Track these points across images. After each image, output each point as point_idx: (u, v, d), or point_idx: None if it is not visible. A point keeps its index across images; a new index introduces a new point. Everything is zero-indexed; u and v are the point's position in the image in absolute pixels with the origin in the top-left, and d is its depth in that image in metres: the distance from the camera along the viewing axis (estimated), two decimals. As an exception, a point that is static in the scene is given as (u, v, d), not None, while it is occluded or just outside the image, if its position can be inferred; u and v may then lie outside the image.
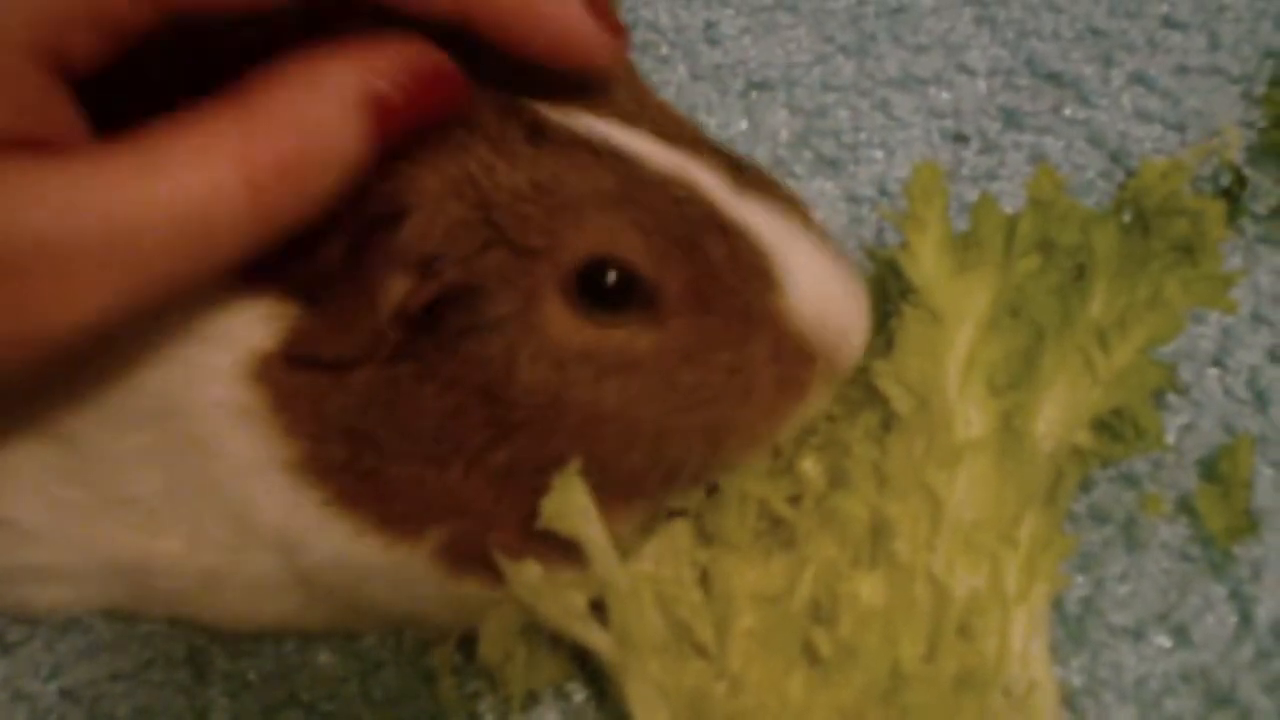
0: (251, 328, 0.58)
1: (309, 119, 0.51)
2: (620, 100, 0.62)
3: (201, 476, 0.60)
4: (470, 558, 0.62)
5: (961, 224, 0.70)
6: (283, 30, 0.54)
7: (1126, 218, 0.70)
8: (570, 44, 0.57)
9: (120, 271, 0.48)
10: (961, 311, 0.67)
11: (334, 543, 0.60)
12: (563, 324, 0.59)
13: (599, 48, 0.58)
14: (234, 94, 0.51)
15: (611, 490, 0.61)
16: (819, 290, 0.62)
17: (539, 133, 0.59)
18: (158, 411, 0.59)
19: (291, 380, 0.59)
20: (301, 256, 0.56)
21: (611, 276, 0.59)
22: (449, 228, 0.57)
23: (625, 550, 0.63)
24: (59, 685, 0.70)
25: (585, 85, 0.61)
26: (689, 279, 0.60)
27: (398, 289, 0.57)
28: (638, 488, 0.62)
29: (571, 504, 0.60)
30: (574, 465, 0.60)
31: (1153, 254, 0.69)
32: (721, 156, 0.63)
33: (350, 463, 0.59)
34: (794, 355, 0.62)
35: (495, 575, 0.62)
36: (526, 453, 0.60)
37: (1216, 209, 0.70)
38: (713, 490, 0.65)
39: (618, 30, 0.59)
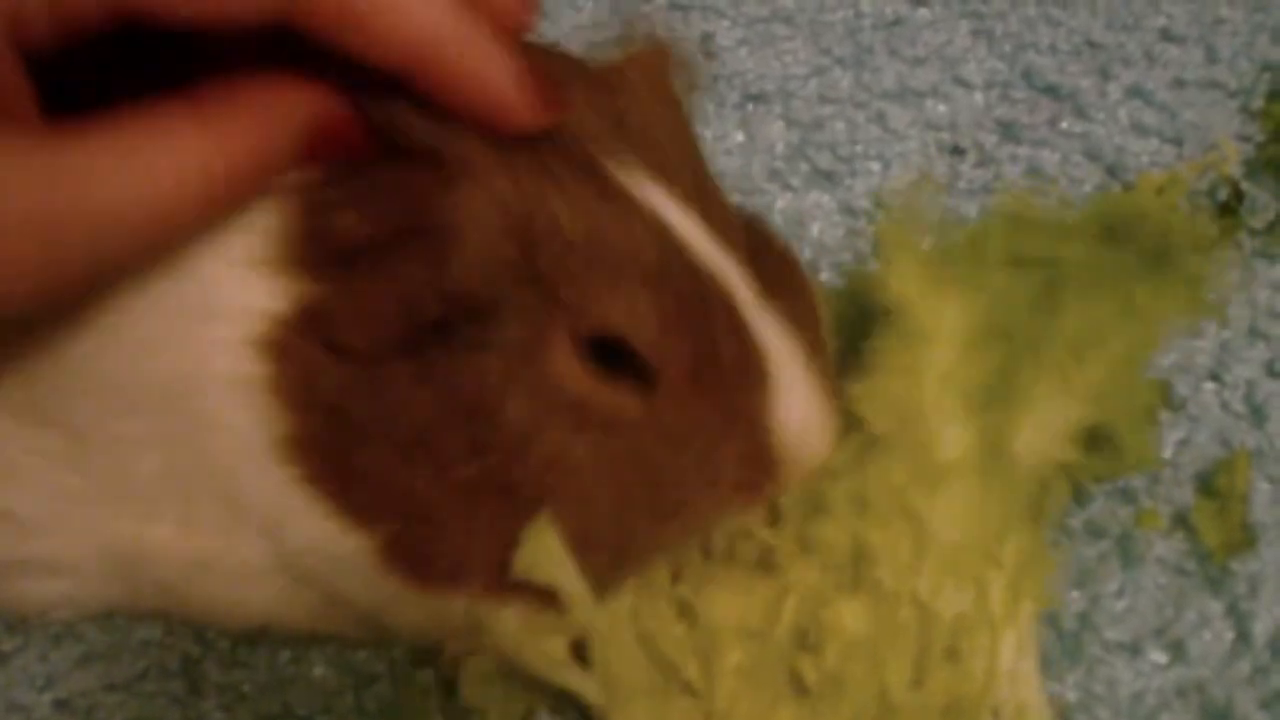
0: (260, 298, 0.58)
1: (264, 129, 0.54)
2: (684, 177, 0.63)
3: (199, 456, 0.60)
4: (409, 561, 0.62)
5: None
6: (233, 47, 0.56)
7: (1100, 228, 0.70)
8: (489, 107, 0.58)
9: (85, 247, 0.51)
10: (935, 330, 0.67)
11: (310, 526, 0.60)
12: (563, 368, 0.60)
13: (520, 114, 0.58)
14: (195, 95, 0.54)
15: (564, 536, 0.62)
16: (802, 409, 0.63)
17: (603, 189, 0.59)
18: (164, 391, 0.60)
19: (294, 355, 0.59)
20: (327, 231, 0.57)
21: (627, 350, 0.60)
22: (494, 265, 0.58)
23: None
24: (53, 696, 0.70)
25: (658, 153, 0.62)
26: (691, 366, 0.61)
27: (417, 287, 0.58)
28: (580, 546, 0.62)
29: (544, 552, 0.60)
30: (544, 515, 0.60)
31: (1123, 264, 0.69)
32: (764, 260, 0.65)
33: (327, 441, 0.59)
34: (762, 462, 0.63)
35: (418, 577, 0.62)
36: (495, 474, 0.60)
37: (1181, 218, 0.70)
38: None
39: (551, 102, 0.59)
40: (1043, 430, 0.67)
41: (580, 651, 0.63)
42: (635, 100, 0.64)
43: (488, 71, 0.57)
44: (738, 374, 0.62)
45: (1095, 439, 0.69)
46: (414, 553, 0.62)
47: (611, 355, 0.60)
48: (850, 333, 0.67)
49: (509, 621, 0.62)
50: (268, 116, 0.55)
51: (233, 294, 0.58)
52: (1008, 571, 0.64)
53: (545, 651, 0.62)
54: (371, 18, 0.55)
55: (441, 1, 0.56)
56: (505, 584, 0.62)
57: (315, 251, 0.58)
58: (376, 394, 0.59)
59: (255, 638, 0.72)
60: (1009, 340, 0.67)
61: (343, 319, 0.58)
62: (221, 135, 0.53)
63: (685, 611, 0.63)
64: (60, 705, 0.70)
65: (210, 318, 0.59)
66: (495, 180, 0.58)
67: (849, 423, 0.65)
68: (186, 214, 0.53)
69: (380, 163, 0.57)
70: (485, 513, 0.61)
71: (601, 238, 0.59)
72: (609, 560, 0.63)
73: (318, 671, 0.71)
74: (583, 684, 0.63)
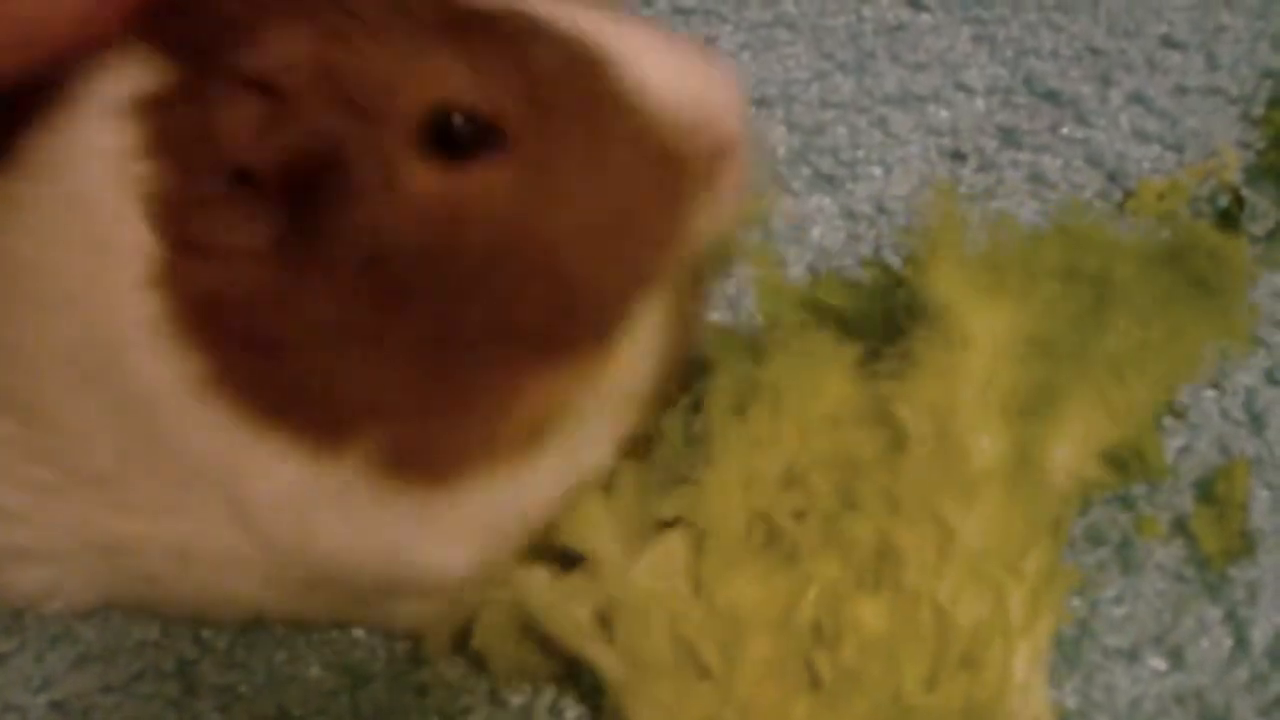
0: (138, 228, 0.58)
1: None
2: None
3: (144, 427, 0.60)
4: (410, 460, 0.60)
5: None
6: None
7: (1149, 248, 0.70)
8: None
9: None
10: (979, 338, 0.66)
11: (269, 469, 0.59)
12: (420, 179, 0.57)
13: None
14: None
15: (530, 347, 0.60)
16: (670, 78, 0.59)
17: None
18: (88, 354, 0.59)
19: (186, 284, 0.58)
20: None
21: (457, 121, 0.56)
22: (293, 62, 0.56)
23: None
24: (49, 698, 0.70)
25: None
26: (525, 94, 0.57)
27: (241, 118, 0.56)
28: (552, 339, 0.60)
29: (588, 518, 0.60)
30: (591, 482, 0.59)
31: (1174, 289, 0.68)
32: None
33: (255, 370, 0.58)
34: (663, 148, 0.58)
35: (436, 477, 0.61)
36: (422, 327, 0.58)
37: (1240, 247, 0.69)
38: (712, 495, 0.64)
39: None
40: (1076, 447, 0.67)
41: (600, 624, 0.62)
42: None
43: None
44: (576, 76, 0.58)
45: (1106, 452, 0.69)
46: (405, 452, 0.60)
47: (454, 141, 0.56)
48: (877, 329, 0.66)
49: (540, 581, 0.61)
50: None
51: (118, 230, 0.58)
52: (1028, 584, 0.64)
53: (571, 618, 0.62)
54: None
55: None
56: (508, 436, 0.60)
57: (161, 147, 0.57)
58: (275, 299, 0.58)
59: (252, 640, 0.72)
60: (1052, 353, 0.66)
61: (203, 217, 0.57)
62: None
63: (703, 592, 0.63)
64: (56, 706, 0.70)
65: (101, 255, 0.58)
66: (287, 35, 0.56)
67: (882, 418, 0.65)
68: None
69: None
70: (446, 368, 0.59)
71: (379, 34, 0.57)
72: (582, 333, 0.61)
73: (314, 672, 0.71)
74: (604, 657, 0.62)
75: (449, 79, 0.56)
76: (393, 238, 0.57)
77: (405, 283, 0.57)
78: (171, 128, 0.57)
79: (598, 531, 0.60)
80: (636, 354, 0.63)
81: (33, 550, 0.65)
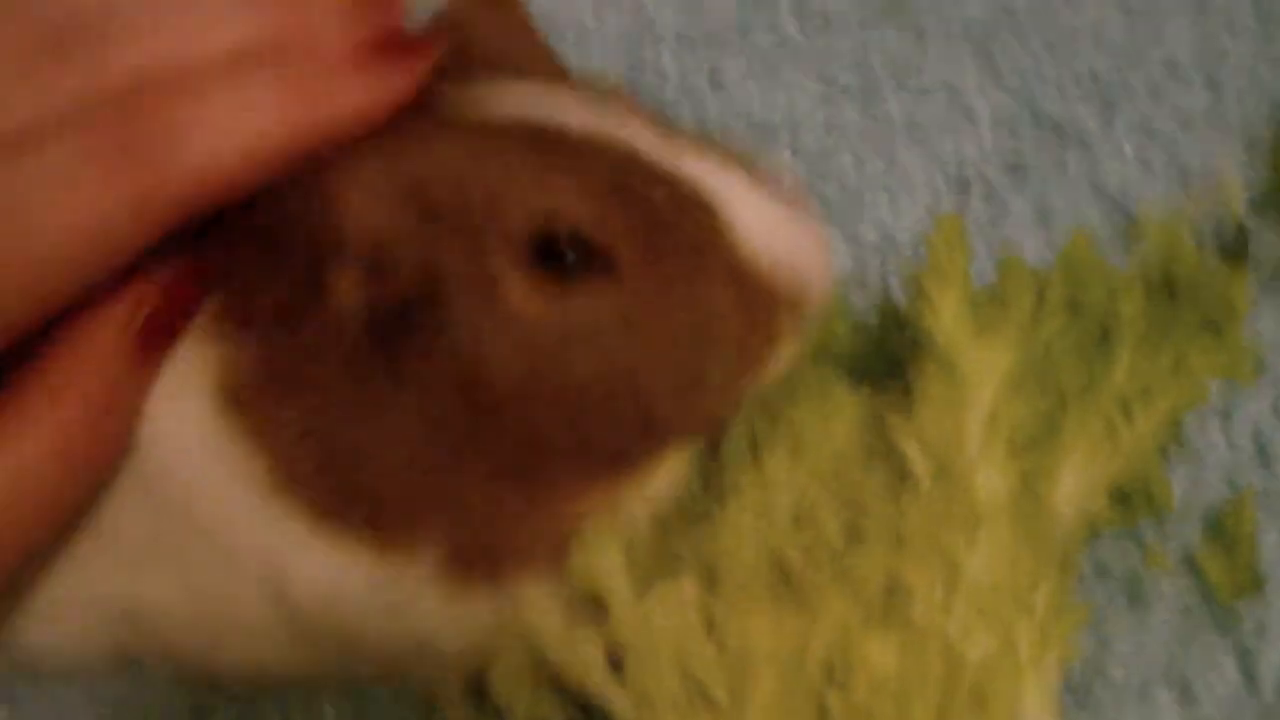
0: (209, 363, 0.58)
1: (86, 382, 0.55)
2: (537, 78, 0.62)
3: (184, 517, 0.59)
4: (474, 565, 0.61)
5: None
6: None
7: (1153, 282, 0.70)
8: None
9: None
10: (984, 372, 0.66)
11: (319, 563, 0.59)
12: (523, 299, 0.57)
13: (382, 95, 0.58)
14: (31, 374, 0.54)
15: (600, 464, 0.60)
16: (771, 227, 0.60)
17: (458, 114, 0.58)
18: (133, 452, 0.59)
19: (260, 401, 0.58)
20: (254, 291, 0.56)
21: (567, 245, 0.57)
22: (384, 222, 0.56)
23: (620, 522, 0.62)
24: (62, 737, 0.70)
25: (497, 67, 0.61)
26: (635, 228, 0.58)
27: (343, 294, 0.57)
28: (625, 455, 0.61)
29: (602, 559, 0.60)
30: (603, 522, 0.59)
31: (1179, 323, 0.69)
32: (649, 115, 0.62)
33: (330, 476, 0.58)
34: (757, 292, 0.60)
35: (495, 577, 0.61)
36: (512, 441, 0.59)
37: (1243, 280, 0.69)
38: (724, 533, 0.64)
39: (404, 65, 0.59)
40: (1082, 482, 0.67)
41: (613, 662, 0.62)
42: (471, 27, 0.63)
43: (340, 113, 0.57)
44: (683, 212, 0.59)
45: (1113, 488, 0.69)
46: (476, 557, 0.60)
47: (562, 264, 0.57)
48: (882, 365, 0.66)
49: (553, 621, 0.61)
50: (86, 364, 0.55)
51: (181, 361, 0.58)
52: (1037, 619, 0.64)
53: (584, 659, 0.62)
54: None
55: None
56: (568, 537, 0.61)
57: (239, 319, 0.57)
58: (358, 407, 0.58)
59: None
60: (1057, 388, 0.67)
61: (295, 361, 0.57)
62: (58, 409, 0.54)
63: (714, 629, 0.63)
64: (69, 745, 0.70)
65: (163, 385, 0.58)
66: (362, 174, 0.56)
67: (888, 454, 0.65)
68: (53, 498, 0.55)
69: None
70: (527, 480, 0.59)
71: (477, 153, 0.57)
72: (653, 450, 0.61)
73: (329, 716, 0.71)
74: (616, 698, 0.62)
75: (559, 199, 0.57)
76: (492, 358, 0.57)
77: (497, 400, 0.58)
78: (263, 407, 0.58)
79: (611, 571, 0.60)
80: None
81: (47, 609, 0.65)
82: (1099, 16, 1.02)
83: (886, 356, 0.69)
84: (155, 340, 0.56)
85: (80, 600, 0.63)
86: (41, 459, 0.53)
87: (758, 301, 0.60)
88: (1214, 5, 1.03)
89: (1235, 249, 0.88)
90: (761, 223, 0.60)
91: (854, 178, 0.94)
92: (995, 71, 0.99)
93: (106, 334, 0.55)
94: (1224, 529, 0.76)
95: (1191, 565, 0.75)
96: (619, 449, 0.61)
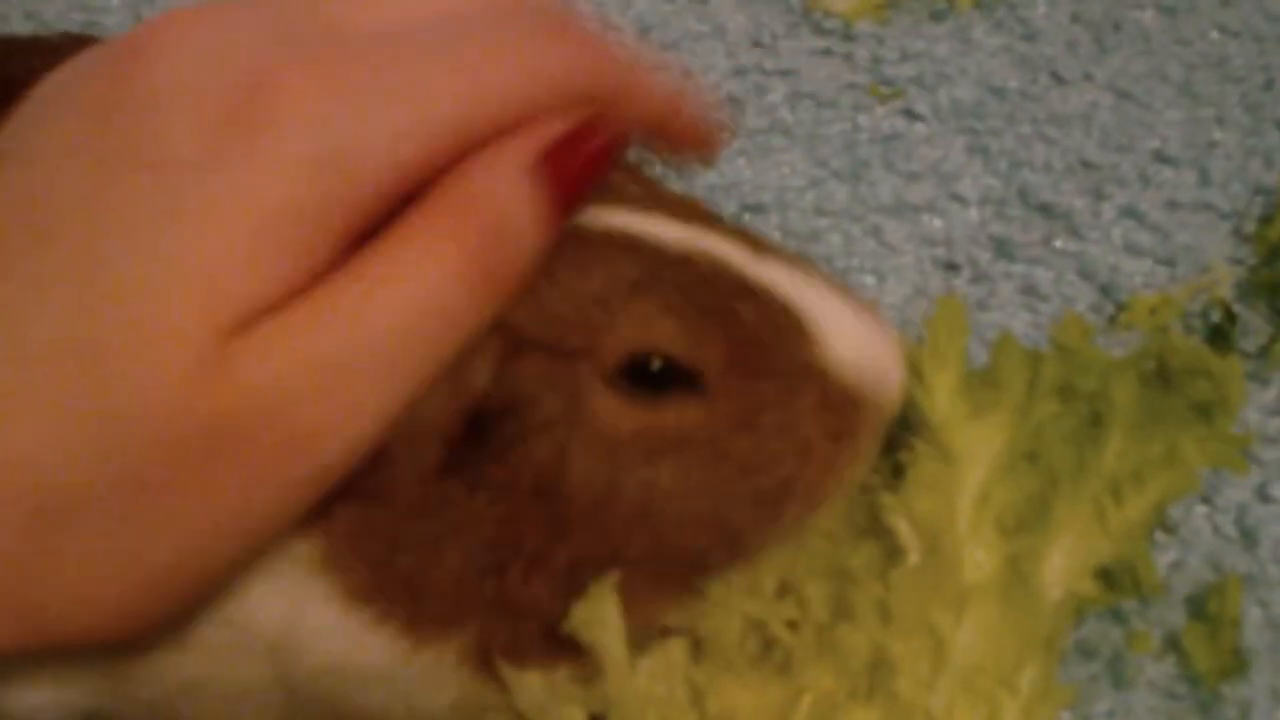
0: None
1: (484, 200, 0.53)
2: (629, 192, 0.61)
3: None
4: (498, 659, 0.61)
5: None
6: None
7: (1147, 368, 0.70)
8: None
9: (377, 375, 0.51)
10: (976, 453, 0.66)
11: (342, 647, 0.59)
12: (610, 414, 0.58)
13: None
14: (417, 207, 0.53)
15: (674, 572, 0.61)
16: (854, 338, 0.61)
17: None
18: None
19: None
20: None
21: (657, 364, 0.58)
22: (489, 360, 0.56)
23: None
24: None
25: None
26: (728, 347, 0.59)
27: (420, 411, 0.56)
28: (701, 565, 0.61)
29: (600, 615, 0.60)
30: (612, 575, 0.59)
31: (1171, 410, 0.69)
32: (737, 230, 0.63)
33: (384, 564, 0.58)
34: (840, 404, 0.61)
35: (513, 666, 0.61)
36: (588, 549, 0.59)
37: (1236, 370, 0.69)
38: (711, 605, 0.64)
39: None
40: (1071, 564, 0.67)
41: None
42: None
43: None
44: (773, 329, 0.60)
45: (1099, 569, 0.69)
46: (500, 646, 0.60)
47: (649, 380, 0.58)
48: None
49: (534, 684, 0.61)
50: (488, 182, 0.54)
51: None
52: (1022, 698, 0.64)
53: (567, 717, 0.61)
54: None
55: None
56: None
57: None
58: (432, 516, 0.58)
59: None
60: (1048, 470, 0.67)
61: (364, 478, 0.56)
62: (458, 230, 0.53)
63: (698, 699, 0.62)
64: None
65: None
66: None
67: (876, 529, 0.65)
68: (461, 319, 0.53)
69: None
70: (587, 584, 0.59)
71: (573, 276, 0.57)
72: (730, 560, 0.62)
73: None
74: None
75: (654, 323, 0.58)
76: (573, 469, 0.58)
77: (575, 509, 0.58)
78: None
79: (610, 630, 0.60)
80: None
81: (30, 671, 0.64)
82: (1090, 102, 1.03)
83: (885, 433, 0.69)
84: (558, 166, 0.55)
85: (63, 661, 0.63)
86: (445, 281, 0.52)
87: (841, 411, 0.61)
88: (1204, 96, 1.04)
89: (1222, 334, 0.89)
90: (845, 333, 0.61)
91: (843, 257, 0.94)
92: (985, 154, 1.00)
93: (510, 153, 0.54)
94: (1208, 612, 0.76)
95: (1176, 647, 0.75)
96: (693, 559, 0.61)
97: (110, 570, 0.52)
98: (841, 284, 0.64)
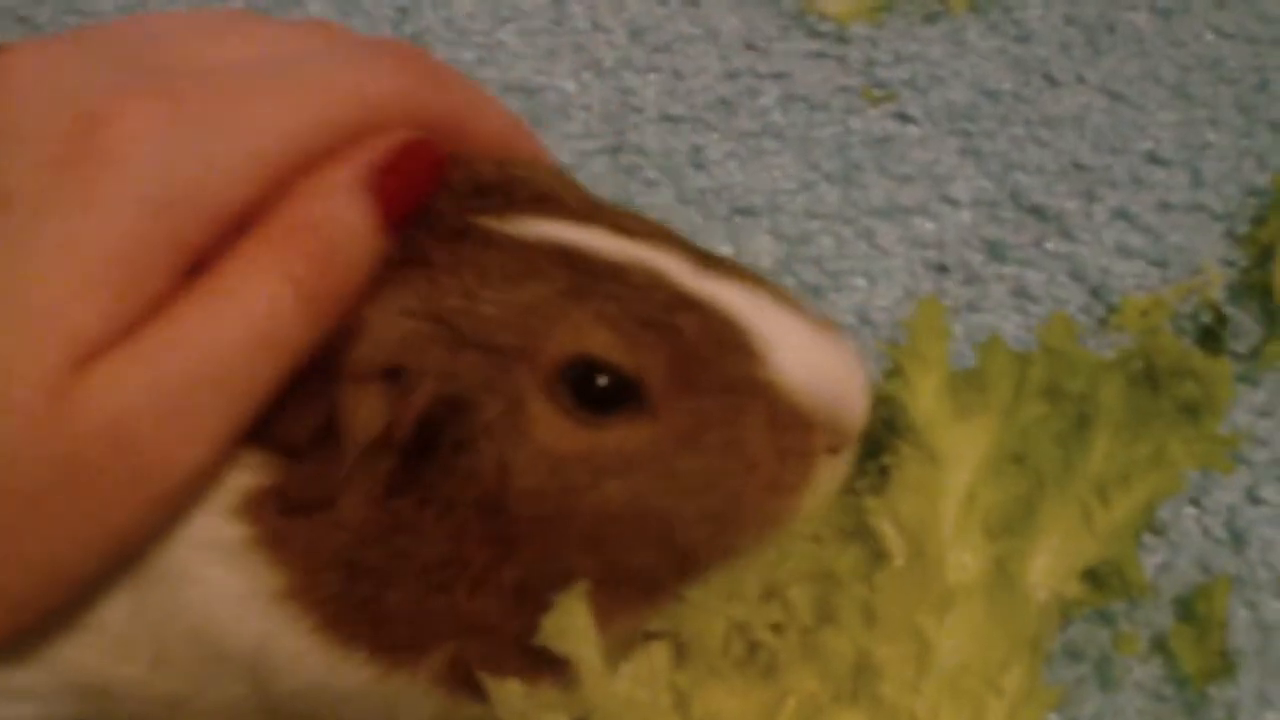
0: (235, 470, 0.57)
1: (317, 214, 0.55)
2: (570, 204, 0.61)
3: (171, 602, 0.59)
4: (470, 678, 0.60)
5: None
6: None
7: (1135, 369, 0.70)
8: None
9: (216, 399, 0.53)
10: (961, 454, 0.66)
11: (316, 671, 0.59)
12: (552, 429, 0.58)
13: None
14: (256, 223, 0.55)
15: (627, 591, 0.60)
16: (804, 356, 0.60)
17: (487, 243, 0.58)
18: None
19: (283, 519, 0.58)
20: (284, 418, 0.56)
21: (601, 380, 0.57)
22: (404, 336, 0.56)
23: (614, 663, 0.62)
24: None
25: (531, 198, 0.61)
26: (669, 361, 0.58)
27: (367, 412, 0.57)
28: (654, 584, 0.61)
29: (572, 624, 0.59)
30: (581, 585, 0.59)
31: (1159, 411, 0.68)
32: (684, 245, 0.62)
33: (344, 591, 0.58)
34: (791, 424, 0.60)
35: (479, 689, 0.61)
36: (536, 567, 0.59)
37: (1225, 371, 0.69)
38: (693, 609, 0.64)
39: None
40: (1057, 565, 0.66)
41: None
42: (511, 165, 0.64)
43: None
44: (717, 344, 0.59)
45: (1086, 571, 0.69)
46: (473, 666, 0.60)
47: (593, 395, 0.58)
48: (861, 447, 0.66)
49: (514, 691, 0.61)
50: (316, 198, 0.56)
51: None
52: (1007, 700, 0.63)
53: None
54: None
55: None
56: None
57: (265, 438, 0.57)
58: (384, 537, 0.58)
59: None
60: (1034, 471, 0.66)
61: (307, 478, 0.57)
62: (289, 244, 0.55)
63: (682, 703, 0.62)
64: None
65: None
66: (373, 291, 0.57)
67: (862, 532, 0.65)
68: (294, 329, 0.54)
69: None
70: (543, 604, 0.59)
71: (506, 281, 0.58)
72: (681, 579, 0.61)
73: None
74: None
75: (592, 334, 0.58)
76: (517, 483, 0.58)
77: (521, 527, 0.58)
78: (284, 526, 0.58)
79: (583, 639, 0.60)
80: None
81: (12, 688, 0.64)
82: (1083, 104, 1.03)
83: (864, 436, 0.68)
84: (384, 184, 0.57)
85: (49, 678, 0.63)
86: (278, 304, 0.53)
87: (793, 430, 0.61)
88: (1198, 98, 1.04)
89: (1213, 336, 0.89)
90: (796, 349, 0.60)
91: (834, 260, 0.94)
92: (977, 156, 1.00)
93: (336, 175, 0.56)
94: (1196, 614, 0.76)
95: (1163, 649, 0.75)
96: (645, 578, 0.61)
97: None
98: (800, 302, 0.63)
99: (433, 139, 0.59)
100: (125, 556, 0.56)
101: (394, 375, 0.57)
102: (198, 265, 0.53)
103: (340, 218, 0.55)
